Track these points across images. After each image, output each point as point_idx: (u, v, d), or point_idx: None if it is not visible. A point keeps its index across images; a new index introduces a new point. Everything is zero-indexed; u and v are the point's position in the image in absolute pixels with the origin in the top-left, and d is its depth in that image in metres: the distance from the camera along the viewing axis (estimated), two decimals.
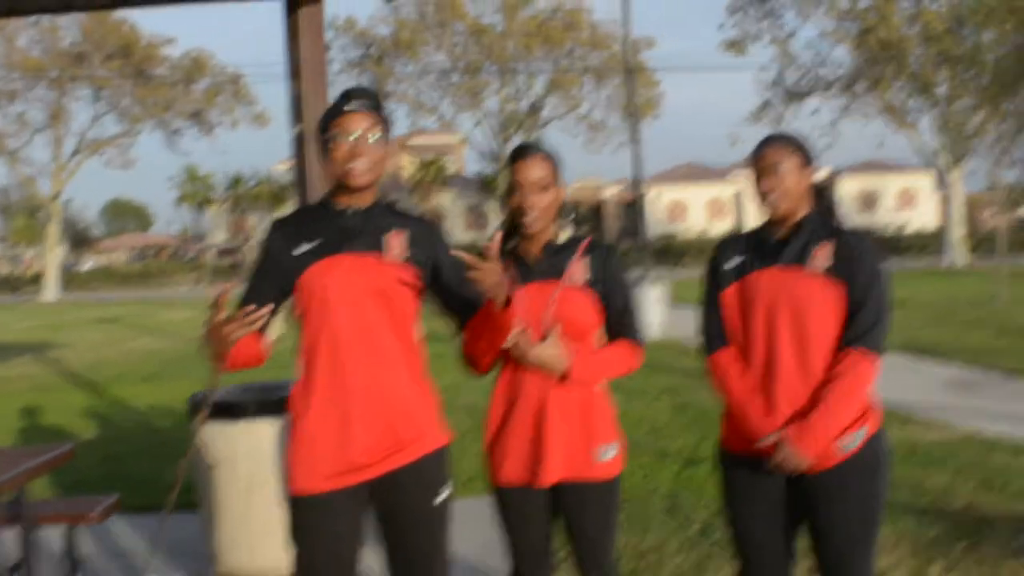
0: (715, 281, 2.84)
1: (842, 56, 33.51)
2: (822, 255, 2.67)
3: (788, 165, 2.70)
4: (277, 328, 2.53)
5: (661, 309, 14.63)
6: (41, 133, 38.93)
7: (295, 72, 5.08)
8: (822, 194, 2.83)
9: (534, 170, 2.75)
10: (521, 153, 2.79)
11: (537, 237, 2.82)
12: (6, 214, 72.25)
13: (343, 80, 42.92)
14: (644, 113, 40.46)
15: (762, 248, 2.79)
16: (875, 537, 2.72)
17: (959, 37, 16.22)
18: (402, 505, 2.59)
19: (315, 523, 2.55)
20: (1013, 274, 19.51)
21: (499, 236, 2.61)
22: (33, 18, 36.16)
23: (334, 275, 2.54)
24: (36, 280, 45.92)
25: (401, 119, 43.21)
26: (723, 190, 55.93)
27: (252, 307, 2.48)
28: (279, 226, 2.70)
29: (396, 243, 2.61)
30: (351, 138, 2.53)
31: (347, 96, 2.59)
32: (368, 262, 2.56)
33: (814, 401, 2.62)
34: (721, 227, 53.29)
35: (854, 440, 2.64)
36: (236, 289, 2.50)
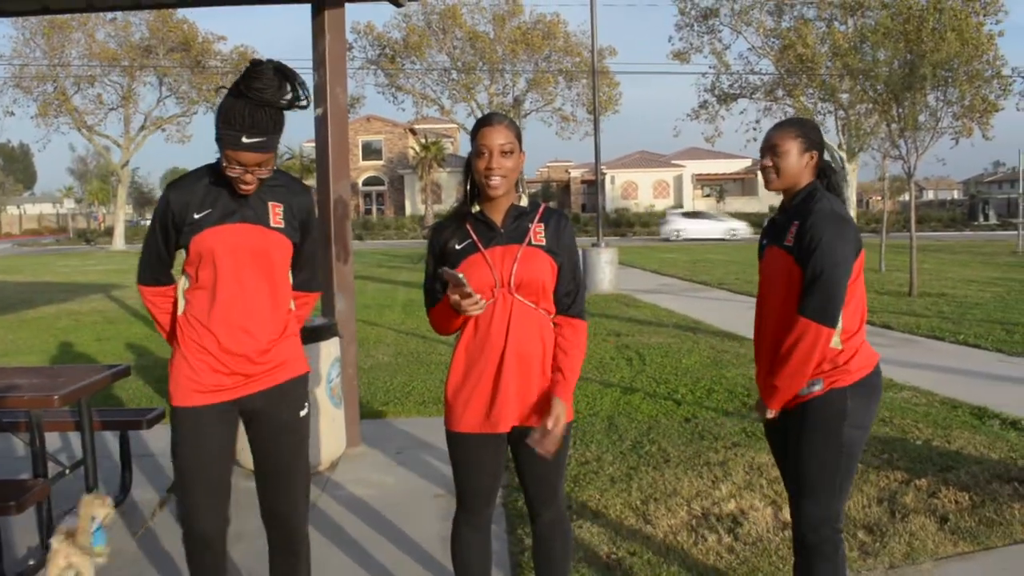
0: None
1: (766, 67, 33.29)
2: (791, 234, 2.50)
3: (787, 147, 2.53)
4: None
5: (612, 268, 14.61)
6: (114, 112, 38.29)
7: (319, 63, 5.00)
8: (824, 172, 2.57)
9: (499, 136, 2.40)
10: (487, 120, 2.45)
11: (500, 201, 2.46)
12: (84, 178, 71.26)
13: (363, 74, 42.45)
14: (605, 109, 40.14)
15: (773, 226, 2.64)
16: None
17: (860, 54, 16.13)
18: (267, 417, 2.52)
19: (189, 431, 2.44)
20: (891, 246, 19.60)
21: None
22: (109, 15, 35.53)
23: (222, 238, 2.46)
24: (108, 233, 45.34)
25: (409, 108, 42.59)
26: (667, 173, 55.59)
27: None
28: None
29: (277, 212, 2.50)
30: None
31: None
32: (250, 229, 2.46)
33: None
34: (665, 204, 53.20)
35: (810, 388, 2.57)
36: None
